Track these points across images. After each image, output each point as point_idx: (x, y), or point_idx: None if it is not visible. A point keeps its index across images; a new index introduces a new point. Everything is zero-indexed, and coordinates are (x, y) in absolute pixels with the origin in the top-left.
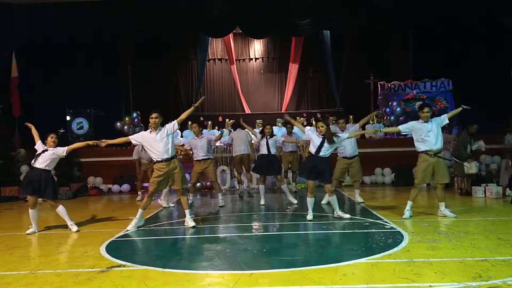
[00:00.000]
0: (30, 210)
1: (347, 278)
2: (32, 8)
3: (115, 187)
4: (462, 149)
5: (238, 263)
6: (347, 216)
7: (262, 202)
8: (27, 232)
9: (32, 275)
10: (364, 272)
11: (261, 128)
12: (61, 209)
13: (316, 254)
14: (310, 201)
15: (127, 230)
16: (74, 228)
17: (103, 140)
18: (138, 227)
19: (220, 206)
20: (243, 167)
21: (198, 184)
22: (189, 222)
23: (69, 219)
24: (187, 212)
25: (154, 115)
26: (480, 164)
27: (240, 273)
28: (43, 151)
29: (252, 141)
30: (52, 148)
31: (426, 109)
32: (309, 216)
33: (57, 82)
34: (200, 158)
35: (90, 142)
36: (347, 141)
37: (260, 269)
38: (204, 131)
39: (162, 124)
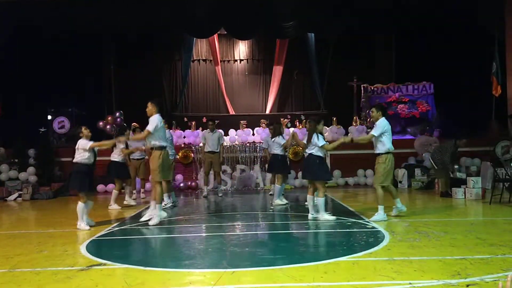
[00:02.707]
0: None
1: (328, 275)
2: (13, 6)
3: (101, 187)
4: (445, 157)
5: (220, 261)
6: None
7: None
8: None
9: (10, 274)
10: (345, 270)
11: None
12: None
13: (298, 253)
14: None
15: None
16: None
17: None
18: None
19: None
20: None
21: (182, 184)
22: None
23: (82, 218)
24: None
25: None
26: (460, 166)
27: (222, 271)
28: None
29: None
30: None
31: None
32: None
33: (38, 80)
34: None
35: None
36: None
37: (242, 267)
38: (187, 131)
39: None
